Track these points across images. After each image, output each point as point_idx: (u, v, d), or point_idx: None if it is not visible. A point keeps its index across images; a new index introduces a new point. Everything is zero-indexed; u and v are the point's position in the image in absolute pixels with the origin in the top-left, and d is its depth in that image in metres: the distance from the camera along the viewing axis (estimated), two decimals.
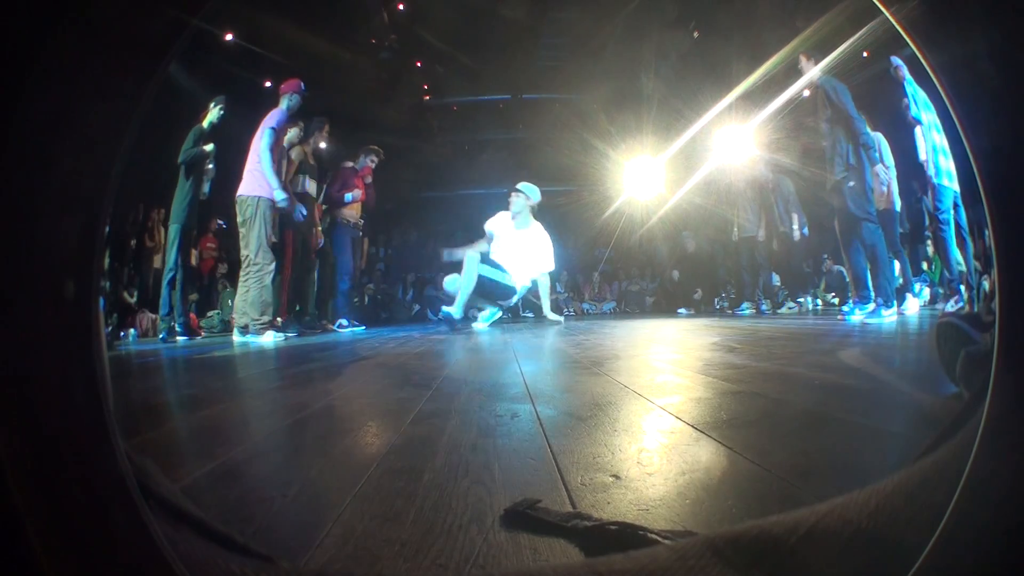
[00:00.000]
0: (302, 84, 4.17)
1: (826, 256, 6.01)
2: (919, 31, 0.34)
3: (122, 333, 4.74)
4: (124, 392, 1.39)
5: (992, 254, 0.32)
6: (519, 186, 4.85)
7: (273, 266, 3.83)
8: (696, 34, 6.57)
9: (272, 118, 3.96)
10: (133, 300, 5.38)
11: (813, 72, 3.78)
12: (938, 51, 0.34)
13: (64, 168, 0.30)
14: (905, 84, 3.95)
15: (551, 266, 4.87)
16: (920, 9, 0.34)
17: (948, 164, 3.89)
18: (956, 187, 3.90)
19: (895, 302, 3.83)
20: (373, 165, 5.30)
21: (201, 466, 0.73)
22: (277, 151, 3.94)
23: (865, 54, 4.62)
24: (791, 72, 4.22)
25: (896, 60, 4.01)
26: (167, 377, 2.11)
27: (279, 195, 3.86)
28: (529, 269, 4.79)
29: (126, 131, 0.32)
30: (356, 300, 5.49)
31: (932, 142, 3.89)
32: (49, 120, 0.29)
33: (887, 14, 0.35)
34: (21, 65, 0.27)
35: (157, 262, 6.04)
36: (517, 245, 4.78)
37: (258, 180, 3.86)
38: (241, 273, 3.87)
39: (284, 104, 4.07)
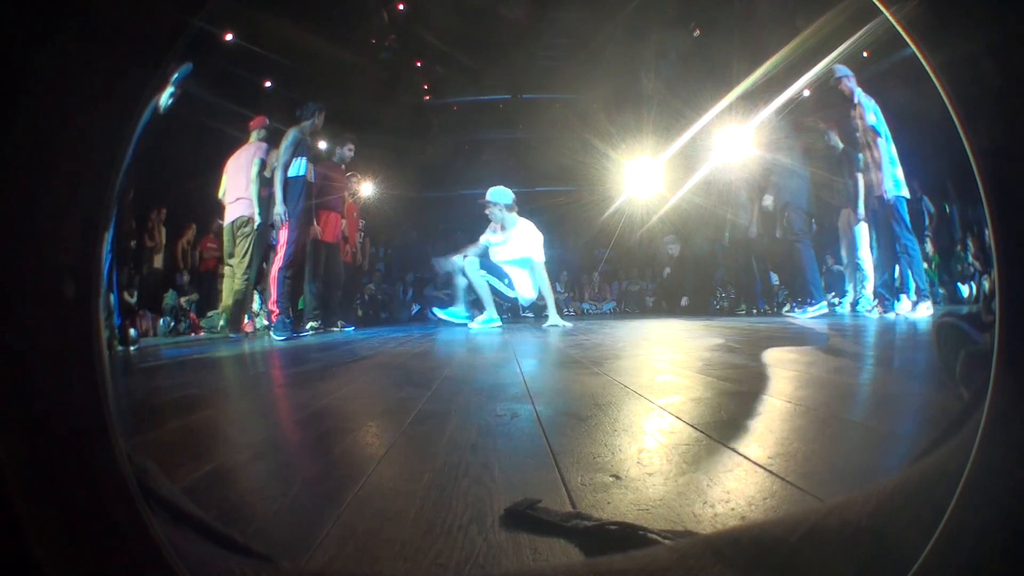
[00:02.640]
0: (267, 120, 4.62)
1: (827, 256, 6.00)
2: (919, 31, 0.34)
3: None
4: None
5: (992, 254, 0.32)
6: (488, 197, 4.87)
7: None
8: (697, 33, 6.57)
9: (261, 149, 4.41)
10: (133, 300, 5.37)
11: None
12: (938, 51, 0.34)
13: (64, 168, 0.30)
14: (856, 95, 3.88)
15: (541, 257, 4.85)
16: (920, 9, 0.34)
17: (901, 174, 3.91)
18: (907, 194, 3.95)
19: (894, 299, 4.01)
20: (352, 154, 5.27)
21: (198, 468, 0.73)
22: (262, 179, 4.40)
23: (865, 54, 4.62)
24: (791, 72, 4.23)
25: (842, 69, 3.91)
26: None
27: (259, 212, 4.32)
28: (529, 282, 4.86)
29: (126, 131, 0.32)
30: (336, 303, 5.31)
31: (889, 154, 3.88)
32: (49, 120, 0.29)
33: (887, 14, 0.35)
34: (21, 65, 0.27)
35: (157, 262, 6.05)
36: (512, 245, 4.83)
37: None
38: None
39: (263, 136, 4.47)
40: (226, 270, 4.54)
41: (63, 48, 0.29)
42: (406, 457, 0.76)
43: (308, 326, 4.52)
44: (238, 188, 4.35)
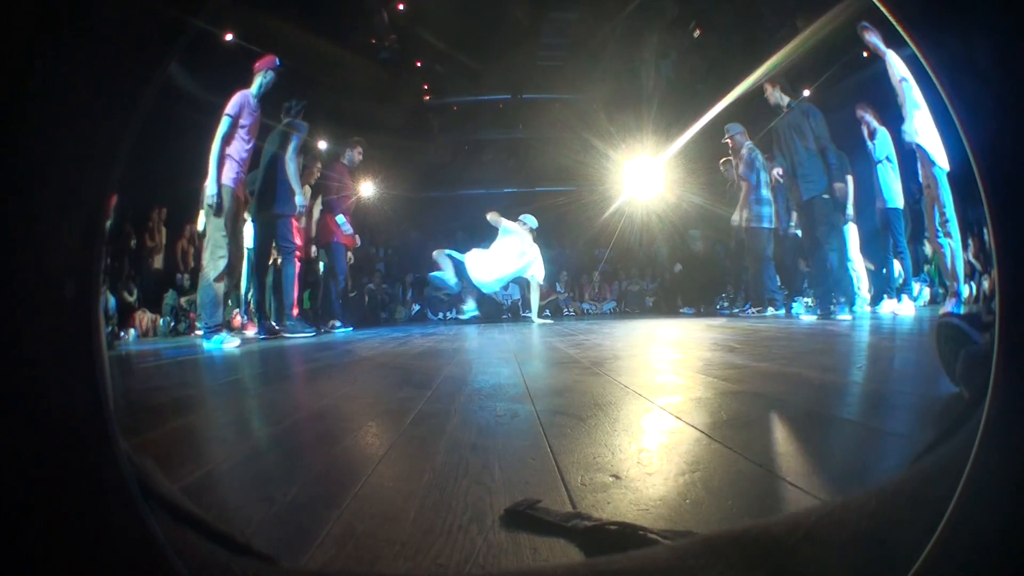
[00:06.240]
0: (277, 60, 3.75)
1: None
2: (919, 31, 0.34)
3: (122, 333, 4.74)
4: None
5: (992, 254, 0.32)
6: (525, 221, 5.52)
7: (222, 263, 3.35)
8: (697, 33, 6.57)
9: (232, 104, 3.50)
10: (133, 300, 5.37)
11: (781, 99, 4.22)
12: (938, 51, 0.34)
13: (64, 168, 0.30)
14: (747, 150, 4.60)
15: (541, 273, 5.45)
16: (920, 9, 0.34)
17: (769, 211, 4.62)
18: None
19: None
20: (361, 157, 5.26)
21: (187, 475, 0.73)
22: (232, 140, 3.48)
23: (865, 54, 4.62)
24: (791, 71, 4.23)
25: (733, 128, 4.71)
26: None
27: (211, 188, 3.38)
28: (504, 269, 5.45)
29: (126, 131, 0.32)
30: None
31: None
32: (49, 120, 0.29)
33: (887, 14, 0.35)
34: (21, 65, 0.27)
35: (157, 262, 6.04)
36: (505, 245, 5.38)
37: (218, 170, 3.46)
38: None
39: (255, 84, 3.65)
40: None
41: (63, 48, 0.29)
42: (406, 457, 0.76)
43: (331, 323, 4.67)
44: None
